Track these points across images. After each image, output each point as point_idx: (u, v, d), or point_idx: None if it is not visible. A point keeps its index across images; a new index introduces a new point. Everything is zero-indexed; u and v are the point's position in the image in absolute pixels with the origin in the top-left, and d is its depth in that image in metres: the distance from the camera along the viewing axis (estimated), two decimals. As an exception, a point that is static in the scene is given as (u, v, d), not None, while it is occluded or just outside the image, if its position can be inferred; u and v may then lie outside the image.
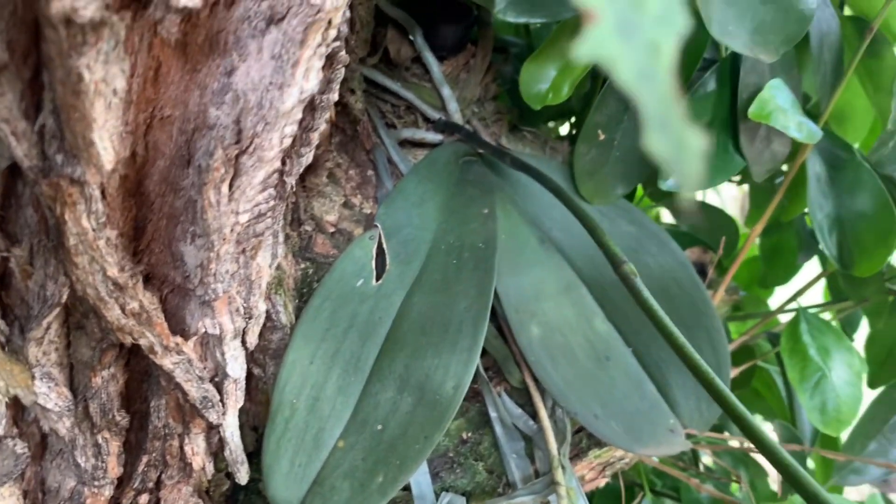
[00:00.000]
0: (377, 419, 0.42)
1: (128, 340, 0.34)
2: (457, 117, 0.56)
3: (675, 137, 0.10)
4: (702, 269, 0.59)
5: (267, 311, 0.43)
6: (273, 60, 0.28)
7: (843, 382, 0.55)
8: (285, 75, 0.28)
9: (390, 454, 0.41)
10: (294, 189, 0.44)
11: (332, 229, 0.49)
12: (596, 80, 0.59)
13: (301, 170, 0.37)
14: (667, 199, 0.66)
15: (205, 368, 0.38)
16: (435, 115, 0.57)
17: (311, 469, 0.41)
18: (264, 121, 0.29)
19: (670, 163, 0.10)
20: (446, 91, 0.56)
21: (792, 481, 0.32)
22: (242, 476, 0.43)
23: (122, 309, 0.33)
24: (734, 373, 0.62)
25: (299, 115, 0.31)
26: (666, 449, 0.51)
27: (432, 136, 0.56)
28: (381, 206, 0.48)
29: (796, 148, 0.52)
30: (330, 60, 0.33)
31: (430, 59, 0.56)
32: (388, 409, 0.43)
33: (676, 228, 0.65)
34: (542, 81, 0.51)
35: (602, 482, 0.59)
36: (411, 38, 0.57)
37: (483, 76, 0.58)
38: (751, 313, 0.80)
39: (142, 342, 0.34)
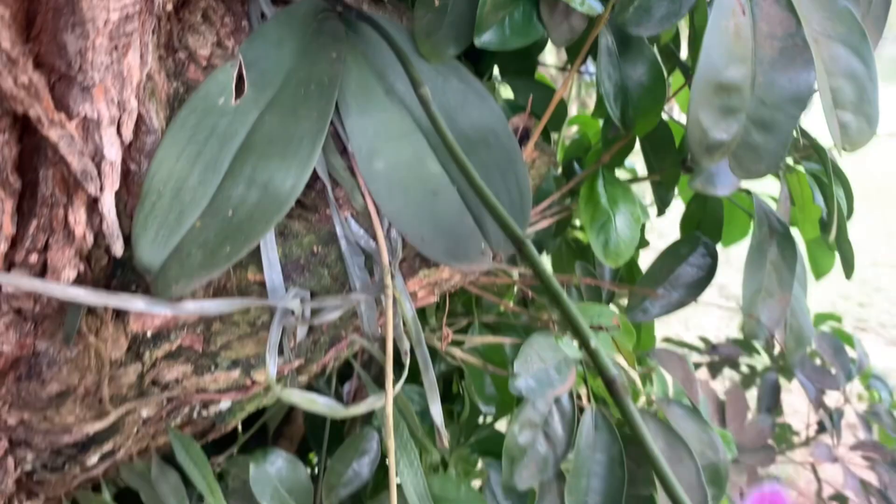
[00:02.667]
0: (229, 207, 0.53)
1: (19, 110, 0.44)
2: (322, -19, 0.65)
3: None
4: (526, 132, 0.71)
5: (142, 116, 0.52)
6: None
7: (624, 226, 0.68)
8: None
9: (237, 232, 0.52)
10: (167, 13, 0.53)
11: (204, 63, 0.58)
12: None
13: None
14: (513, 77, 0.77)
15: (86, 148, 0.48)
16: (304, -23, 0.66)
17: (172, 240, 0.52)
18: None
19: None
20: (314, -44, 0.65)
21: (553, 299, 0.43)
22: (118, 249, 0.53)
23: (15, 81, 0.42)
24: (550, 221, 0.75)
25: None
26: (477, 266, 0.63)
27: (301, -4, 0.65)
28: (243, 43, 0.58)
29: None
30: None
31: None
32: (238, 200, 0.53)
33: (515, 102, 0.76)
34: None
35: (432, 300, 0.71)
36: None
37: (348, -54, 0.67)
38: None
39: (31, 113, 0.44)
